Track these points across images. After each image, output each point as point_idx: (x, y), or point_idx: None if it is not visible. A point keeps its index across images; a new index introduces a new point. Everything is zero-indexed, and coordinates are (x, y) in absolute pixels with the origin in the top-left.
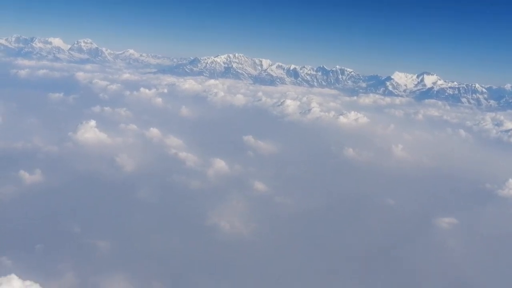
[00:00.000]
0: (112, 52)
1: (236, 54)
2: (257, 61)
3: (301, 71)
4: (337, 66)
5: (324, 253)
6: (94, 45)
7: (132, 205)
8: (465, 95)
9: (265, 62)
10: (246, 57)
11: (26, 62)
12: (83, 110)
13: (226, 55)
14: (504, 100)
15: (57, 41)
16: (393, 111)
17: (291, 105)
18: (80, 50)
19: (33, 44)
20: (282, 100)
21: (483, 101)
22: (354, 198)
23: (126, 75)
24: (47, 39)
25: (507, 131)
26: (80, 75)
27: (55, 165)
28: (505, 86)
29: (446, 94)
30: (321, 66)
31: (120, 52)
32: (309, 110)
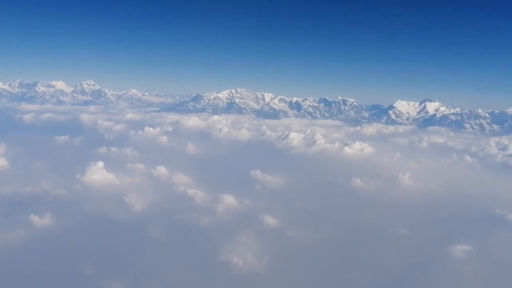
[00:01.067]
0: (114, 92)
1: (238, 89)
2: (259, 95)
3: (304, 103)
4: (339, 97)
5: (339, 285)
6: (97, 87)
7: (144, 244)
8: (468, 120)
9: (267, 96)
10: (248, 92)
11: (30, 106)
12: (90, 152)
13: (228, 90)
14: (507, 124)
15: (59, 84)
16: (398, 140)
17: (295, 137)
18: (83, 92)
19: (36, 89)
20: (286, 133)
21: (486, 126)
22: (365, 229)
23: (130, 115)
24: (49, 82)
25: None
26: (84, 117)
27: (65, 208)
28: (507, 110)
29: (449, 120)
30: (323, 97)
31: (122, 92)
32: (314, 142)
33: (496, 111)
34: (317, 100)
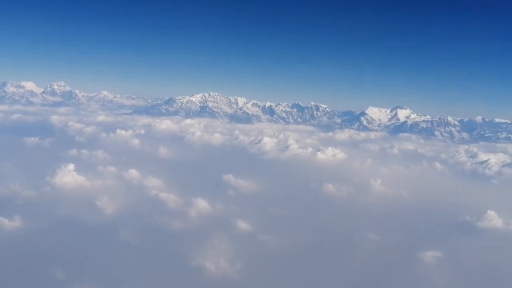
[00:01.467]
0: (85, 94)
1: (211, 93)
2: (232, 99)
3: (277, 108)
4: (312, 103)
5: None
6: (68, 88)
7: (115, 248)
8: (438, 128)
9: (241, 100)
10: (221, 96)
11: None
12: (60, 154)
13: (201, 94)
14: (476, 132)
15: (29, 85)
16: (369, 146)
17: (268, 142)
18: (53, 93)
19: (5, 89)
20: (259, 138)
21: (456, 134)
22: (337, 234)
23: (101, 117)
24: (19, 83)
25: (481, 162)
26: (54, 118)
27: (35, 211)
28: (476, 119)
29: (420, 127)
30: (296, 102)
31: (93, 94)
32: (287, 147)
33: (465, 119)
34: (290, 105)
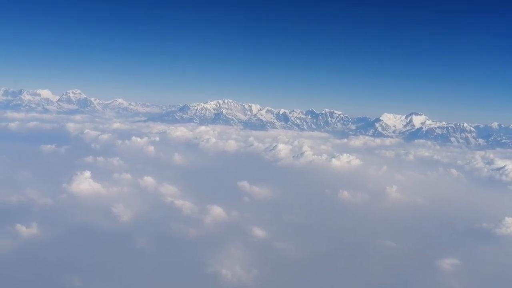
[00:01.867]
0: (101, 102)
1: (226, 100)
2: (246, 106)
3: (291, 115)
4: (326, 109)
5: None
6: (83, 96)
7: (131, 255)
8: (453, 134)
9: (255, 107)
10: (236, 103)
11: (15, 114)
12: (76, 161)
13: (216, 101)
14: (492, 138)
15: (45, 93)
16: (384, 152)
17: (283, 149)
18: (69, 101)
19: (22, 97)
20: (274, 145)
21: (472, 140)
22: (352, 241)
23: (116, 125)
24: (35, 91)
25: (498, 169)
26: (70, 126)
27: (51, 218)
28: (492, 125)
29: (435, 134)
30: (310, 109)
31: (109, 102)
32: (302, 153)
33: (481, 125)
34: (304, 112)
